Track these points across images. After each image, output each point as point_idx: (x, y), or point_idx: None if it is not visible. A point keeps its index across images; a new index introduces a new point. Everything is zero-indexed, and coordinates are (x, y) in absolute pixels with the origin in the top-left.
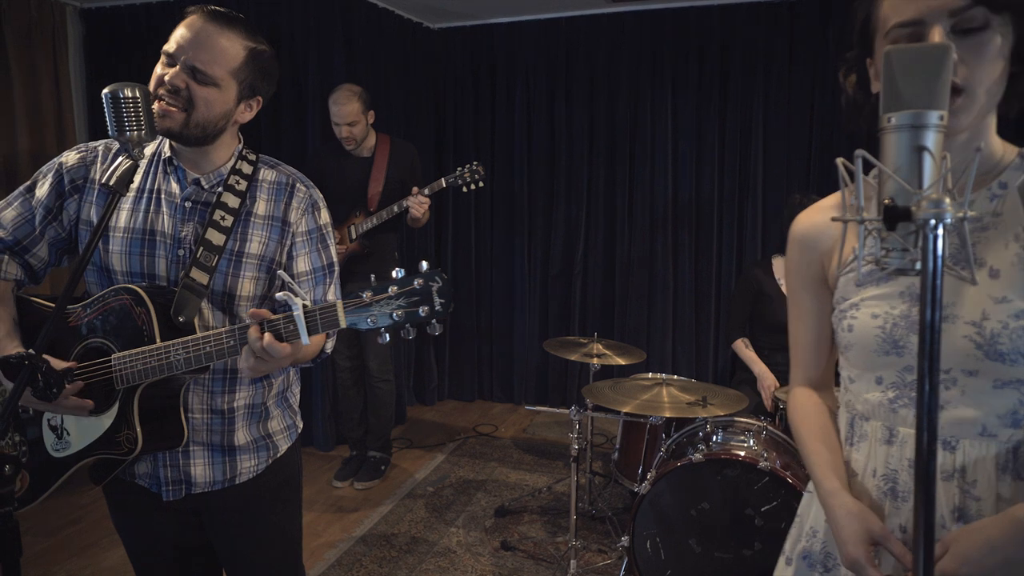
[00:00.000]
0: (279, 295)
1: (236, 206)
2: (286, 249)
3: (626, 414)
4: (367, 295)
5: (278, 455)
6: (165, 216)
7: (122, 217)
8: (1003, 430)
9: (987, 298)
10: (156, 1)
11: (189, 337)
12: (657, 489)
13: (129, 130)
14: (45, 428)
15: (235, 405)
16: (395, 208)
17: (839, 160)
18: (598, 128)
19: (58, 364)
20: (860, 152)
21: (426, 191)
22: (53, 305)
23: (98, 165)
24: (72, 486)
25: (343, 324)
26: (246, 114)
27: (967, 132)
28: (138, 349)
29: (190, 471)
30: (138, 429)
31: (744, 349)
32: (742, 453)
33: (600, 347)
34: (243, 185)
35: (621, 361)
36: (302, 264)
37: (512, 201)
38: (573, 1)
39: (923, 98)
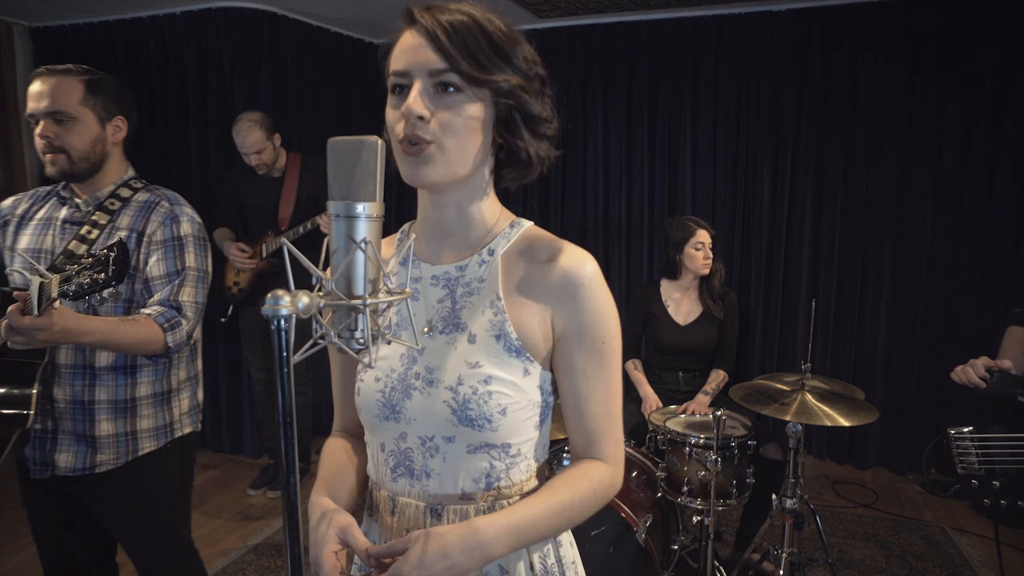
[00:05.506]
0: (13, 269)
1: (104, 223)
2: (143, 255)
3: None
4: (71, 268)
5: (139, 454)
6: (50, 236)
7: (24, 241)
8: (479, 492)
9: (464, 363)
10: (114, 19)
11: None
12: None
13: None
14: None
15: (96, 398)
16: (300, 229)
17: (283, 239)
18: None
19: None
20: (283, 240)
21: None
22: None
23: (23, 204)
24: None
25: (54, 294)
26: (119, 134)
27: (457, 196)
28: None
29: (54, 456)
30: None
31: (633, 371)
32: None
33: None
34: (116, 205)
35: None
36: (155, 268)
37: None
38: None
39: (350, 190)
